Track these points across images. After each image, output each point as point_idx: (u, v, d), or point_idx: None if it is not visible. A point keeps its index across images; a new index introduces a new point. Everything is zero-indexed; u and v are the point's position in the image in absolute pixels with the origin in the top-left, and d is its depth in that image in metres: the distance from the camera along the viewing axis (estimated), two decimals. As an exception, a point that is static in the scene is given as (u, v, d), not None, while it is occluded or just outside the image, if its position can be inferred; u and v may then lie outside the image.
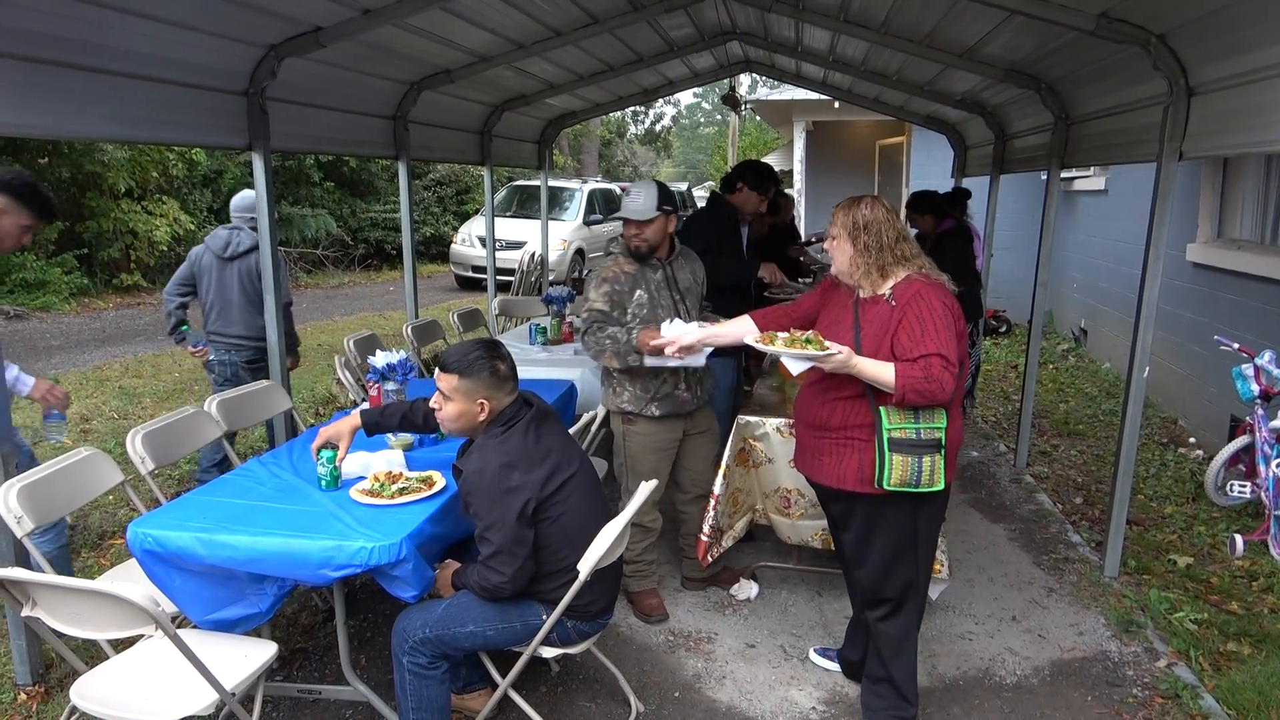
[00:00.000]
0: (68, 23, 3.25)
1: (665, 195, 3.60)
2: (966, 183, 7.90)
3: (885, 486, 2.67)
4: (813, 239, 7.24)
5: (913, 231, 6.26)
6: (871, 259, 2.75)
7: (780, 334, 2.85)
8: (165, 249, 13.02)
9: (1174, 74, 3.67)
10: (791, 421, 3.48)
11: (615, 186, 18.81)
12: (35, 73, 3.22)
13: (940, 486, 2.70)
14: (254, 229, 4.86)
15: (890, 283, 2.77)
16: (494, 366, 2.69)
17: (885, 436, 2.66)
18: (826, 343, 2.65)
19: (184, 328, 4.97)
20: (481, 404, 2.68)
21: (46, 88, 3.30)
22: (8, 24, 3.00)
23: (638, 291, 3.61)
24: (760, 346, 2.78)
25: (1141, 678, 3.43)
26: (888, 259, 2.75)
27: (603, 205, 16.65)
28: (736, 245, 4.70)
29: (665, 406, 3.64)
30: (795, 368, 2.75)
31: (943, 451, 2.68)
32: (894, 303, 2.71)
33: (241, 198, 5.09)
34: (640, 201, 3.58)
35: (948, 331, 2.62)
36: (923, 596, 2.99)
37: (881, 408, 2.68)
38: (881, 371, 2.62)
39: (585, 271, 14.19)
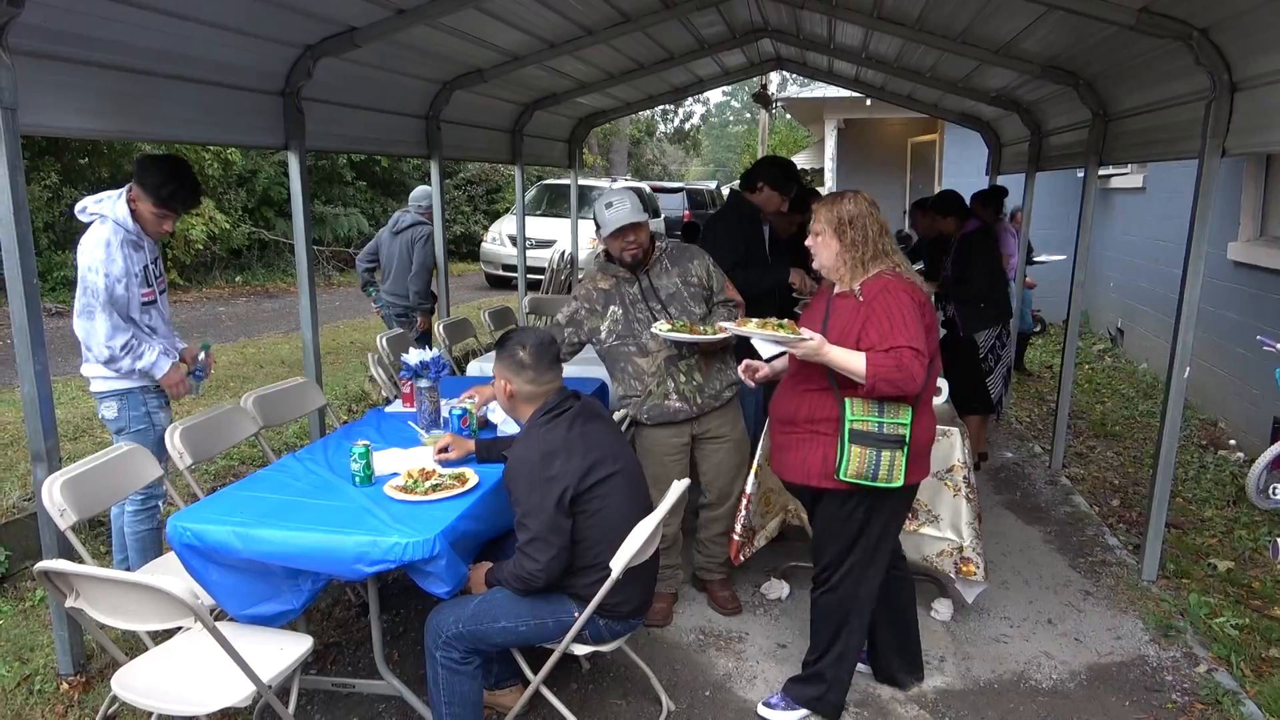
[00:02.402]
0: (110, 25, 3.31)
1: (643, 199, 3.57)
2: (1001, 180, 7.81)
3: (841, 478, 2.70)
4: None
5: (910, 236, 6.24)
6: (856, 254, 2.76)
7: (753, 318, 2.93)
8: (201, 248, 13.20)
9: (1217, 69, 3.60)
10: None
11: (646, 185, 18.81)
12: (82, 75, 3.29)
13: (898, 483, 2.70)
14: (419, 214, 6.55)
15: (862, 279, 2.78)
16: (513, 350, 2.82)
17: (847, 427, 2.68)
18: (802, 330, 2.68)
19: (370, 289, 6.81)
20: (504, 383, 2.83)
21: (91, 89, 3.37)
22: (53, 26, 3.06)
23: (611, 308, 3.59)
24: (732, 327, 2.90)
25: (1181, 683, 3.37)
26: (869, 253, 2.76)
27: (632, 204, 16.62)
28: (760, 250, 4.61)
29: (655, 416, 3.61)
30: (766, 350, 2.87)
31: (904, 449, 2.68)
32: (861, 298, 2.73)
33: (419, 189, 6.76)
34: (627, 206, 3.48)
35: (917, 325, 2.64)
36: (866, 594, 2.95)
37: (847, 399, 2.70)
38: (852, 360, 2.62)
39: None
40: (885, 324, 2.64)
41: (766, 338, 2.73)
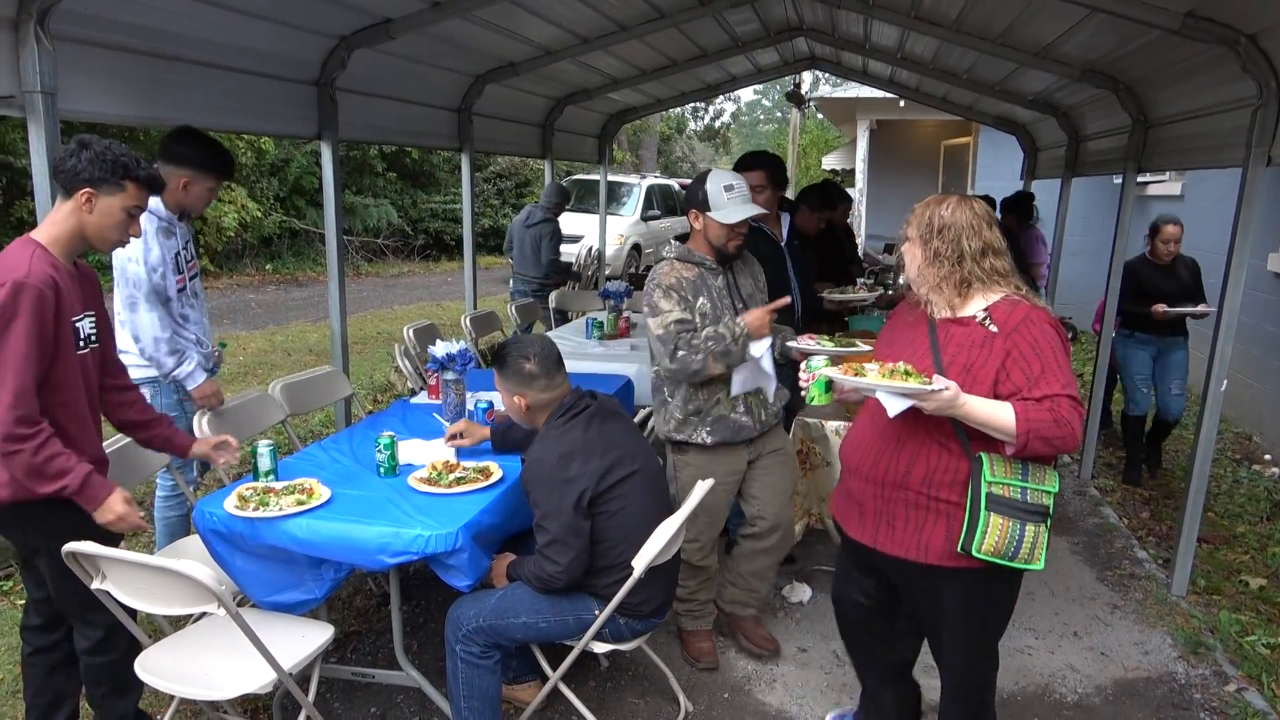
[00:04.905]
0: (148, 11, 3.34)
1: (672, 195, 3.39)
2: (1037, 185, 7.72)
3: (975, 554, 2.18)
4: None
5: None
6: (944, 270, 2.30)
7: (868, 365, 2.30)
8: (232, 235, 13.34)
9: (1264, 76, 3.51)
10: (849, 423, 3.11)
11: (674, 182, 18.77)
12: (120, 61, 3.32)
13: (1039, 565, 2.21)
14: (546, 211, 7.71)
15: (979, 303, 2.30)
16: (518, 365, 2.77)
17: (984, 490, 2.16)
18: (932, 378, 2.14)
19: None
20: (517, 399, 2.79)
21: (127, 75, 3.40)
22: (92, 12, 3.09)
23: (700, 299, 3.15)
24: (845, 379, 2.22)
25: (1209, 701, 3.30)
26: (968, 273, 2.29)
27: (660, 201, 16.59)
28: (784, 273, 4.07)
29: (719, 432, 3.19)
30: (893, 406, 2.17)
31: (1048, 522, 2.21)
32: (994, 328, 2.23)
33: (548, 185, 7.97)
34: (748, 194, 3.15)
35: (1070, 367, 2.19)
36: (992, 698, 2.55)
37: (983, 454, 2.19)
38: (998, 413, 2.12)
39: (641, 268, 14.16)
40: (1034, 364, 2.16)
41: (892, 389, 2.12)
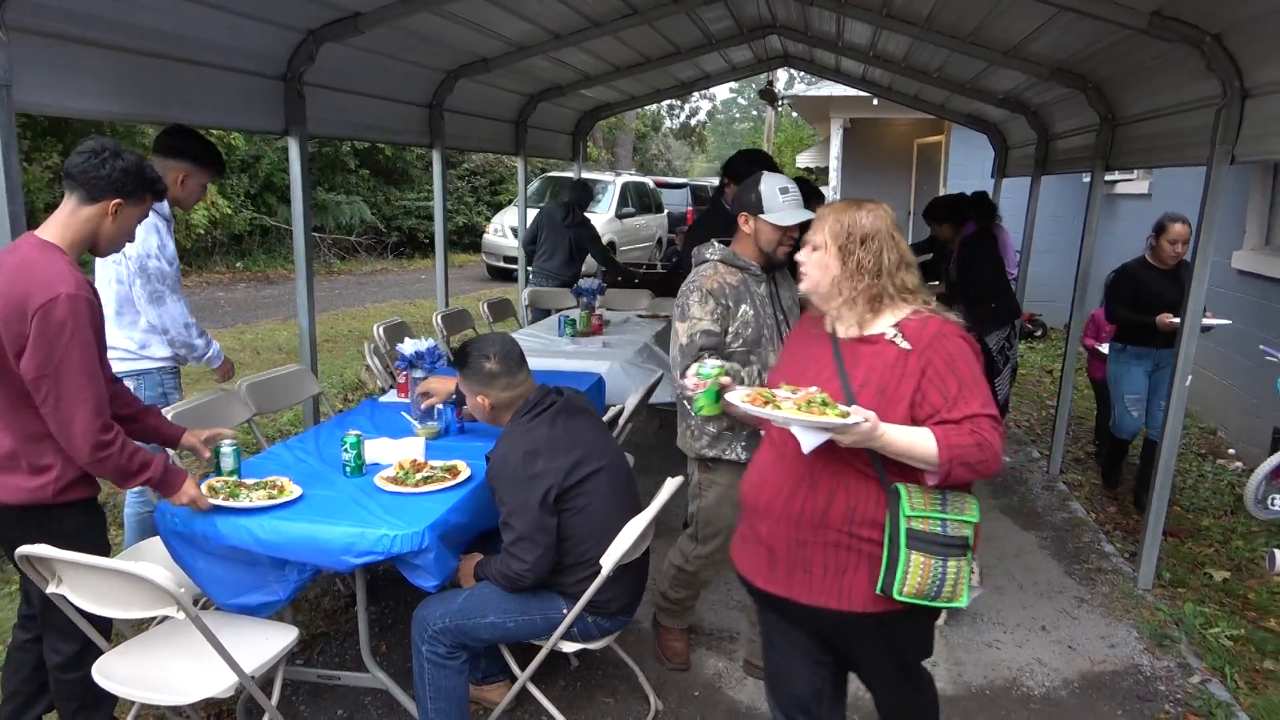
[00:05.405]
0: (110, 4, 3.27)
1: (647, 193, 3.34)
2: (1007, 184, 7.78)
3: (897, 596, 1.97)
4: None
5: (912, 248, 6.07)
6: (864, 284, 2.08)
7: (778, 390, 2.01)
8: (202, 232, 13.18)
9: (1228, 75, 3.56)
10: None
11: (649, 180, 18.77)
12: (80, 54, 3.25)
13: (962, 602, 2.00)
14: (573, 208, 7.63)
15: (888, 319, 2.10)
16: (479, 364, 2.78)
17: (904, 526, 1.95)
18: (844, 406, 1.92)
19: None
20: (480, 399, 2.80)
21: (89, 69, 3.33)
22: (51, 4, 3.02)
23: (743, 306, 2.96)
24: (752, 409, 1.97)
25: (1174, 693, 3.34)
26: (884, 288, 2.09)
27: (635, 199, 16.60)
28: None
29: (754, 448, 3.00)
30: (808, 441, 1.92)
31: (969, 555, 2.00)
32: (906, 344, 2.03)
33: (581, 183, 7.92)
34: (802, 200, 3.01)
35: (986, 383, 2.06)
36: None
37: (900, 486, 1.97)
38: (917, 441, 1.93)
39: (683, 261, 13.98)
40: (951, 384, 1.97)
41: (808, 424, 1.88)
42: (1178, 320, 4.34)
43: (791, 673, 2.29)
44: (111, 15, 3.30)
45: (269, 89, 4.29)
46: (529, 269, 7.89)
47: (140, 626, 2.74)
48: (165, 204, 3.49)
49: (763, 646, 2.41)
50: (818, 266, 2.13)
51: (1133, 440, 5.22)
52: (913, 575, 1.95)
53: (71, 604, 2.31)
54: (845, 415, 1.88)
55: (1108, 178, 8.90)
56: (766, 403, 1.95)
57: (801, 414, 1.87)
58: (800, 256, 2.18)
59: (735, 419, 2.67)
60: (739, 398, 2.04)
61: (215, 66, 3.92)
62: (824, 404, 1.90)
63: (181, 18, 3.58)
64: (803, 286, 2.20)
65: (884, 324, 2.10)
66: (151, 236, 3.41)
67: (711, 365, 2.29)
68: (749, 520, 2.21)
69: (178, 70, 3.72)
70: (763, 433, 2.11)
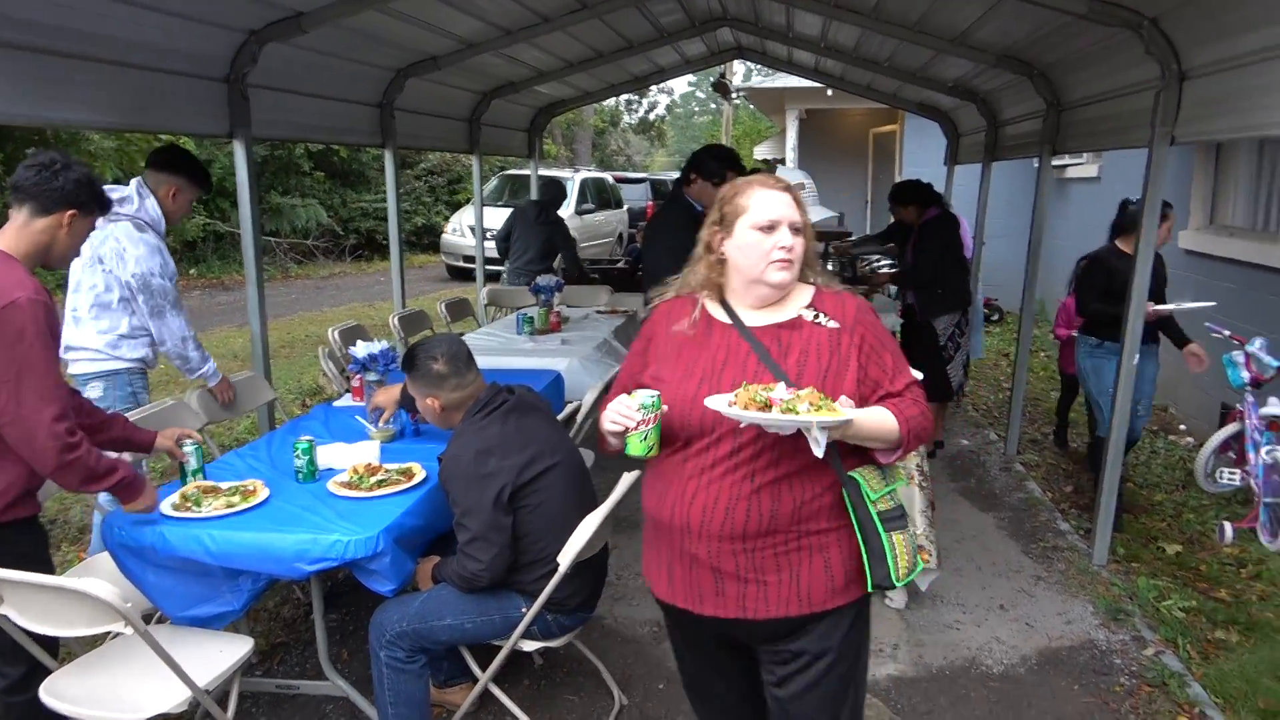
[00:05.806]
0: (45, 8, 3.19)
1: (607, 189, 3.31)
2: (959, 171, 7.88)
3: (897, 583, 1.88)
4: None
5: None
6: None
7: (757, 385, 1.78)
8: (154, 239, 12.91)
9: (1166, 58, 3.62)
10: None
11: (608, 175, 18.72)
12: (14, 59, 3.17)
13: (921, 568, 1.97)
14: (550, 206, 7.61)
15: (799, 300, 1.97)
16: (426, 366, 2.77)
17: (873, 512, 1.86)
18: (832, 401, 1.77)
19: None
20: (430, 401, 2.79)
21: (25, 74, 3.24)
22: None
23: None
24: (761, 418, 1.72)
25: (1129, 666, 3.41)
26: (809, 263, 2.00)
27: (594, 195, 16.54)
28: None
29: None
30: (820, 445, 1.73)
31: (906, 520, 1.94)
32: (834, 324, 1.92)
33: (552, 182, 8.02)
34: (816, 197, 3.06)
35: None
36: None
37: (857, 473, 1.88)
38: (881, 420, 1.86)
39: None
40: (887, 358, 1.93)
41: (823, 424, 1.70)
42: (1163, 308, 4.37)
43: (728, 689, 2.19)
44: (39, 18, 3.20)
45: (213, 91, 4.20)
46: (501, 267, 7.83)
47: (94, 644, 2.68)
48: (161, 222, 3.65)
49: (686, 669, 2.28)
50: (804, 250, 1.96)
51: (1136, 442, 4.98)
52: (901, 557, 1.87)
53: (16, 625, 2.25)
54: (834, 411, 1.74)
55: (1057, 162, 9.06)
56: (765, 406, 1.73)
57: (823, 414, 1.70)
58: (787, 242, 1.92)
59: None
60: (723, 404, 1.77)
61: (155, 69, 3.83)
62: (823, 400, 1.76)
63: (115, 20, 3.49)
64: (787, 278, 1.93)
65: (796, 305, 1.96)
66: (154, 256, 3.55)
67: (648, 395, 1.88)
68: (678, 544, 1.94)
69: (118, 75, 3.64)
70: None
